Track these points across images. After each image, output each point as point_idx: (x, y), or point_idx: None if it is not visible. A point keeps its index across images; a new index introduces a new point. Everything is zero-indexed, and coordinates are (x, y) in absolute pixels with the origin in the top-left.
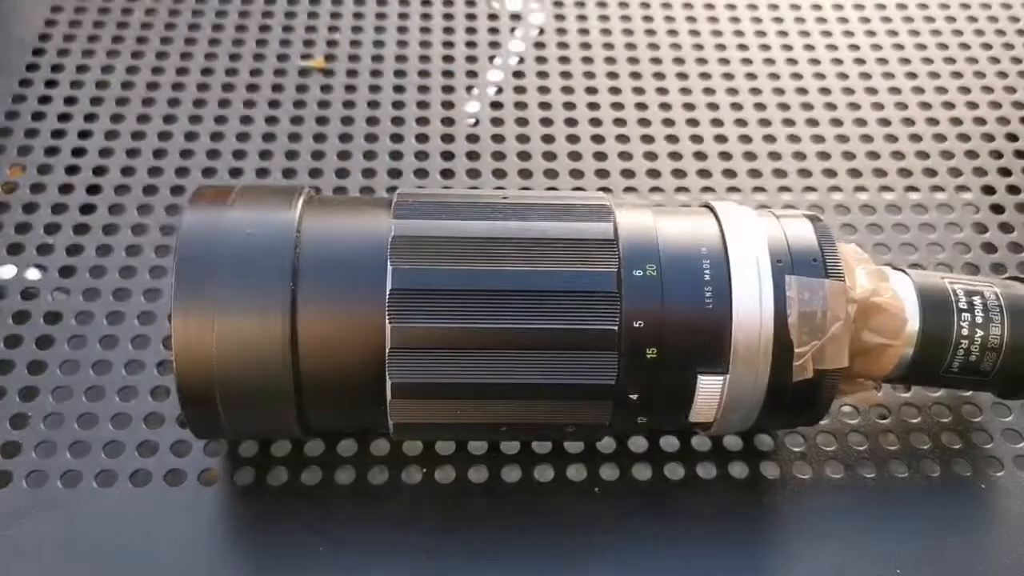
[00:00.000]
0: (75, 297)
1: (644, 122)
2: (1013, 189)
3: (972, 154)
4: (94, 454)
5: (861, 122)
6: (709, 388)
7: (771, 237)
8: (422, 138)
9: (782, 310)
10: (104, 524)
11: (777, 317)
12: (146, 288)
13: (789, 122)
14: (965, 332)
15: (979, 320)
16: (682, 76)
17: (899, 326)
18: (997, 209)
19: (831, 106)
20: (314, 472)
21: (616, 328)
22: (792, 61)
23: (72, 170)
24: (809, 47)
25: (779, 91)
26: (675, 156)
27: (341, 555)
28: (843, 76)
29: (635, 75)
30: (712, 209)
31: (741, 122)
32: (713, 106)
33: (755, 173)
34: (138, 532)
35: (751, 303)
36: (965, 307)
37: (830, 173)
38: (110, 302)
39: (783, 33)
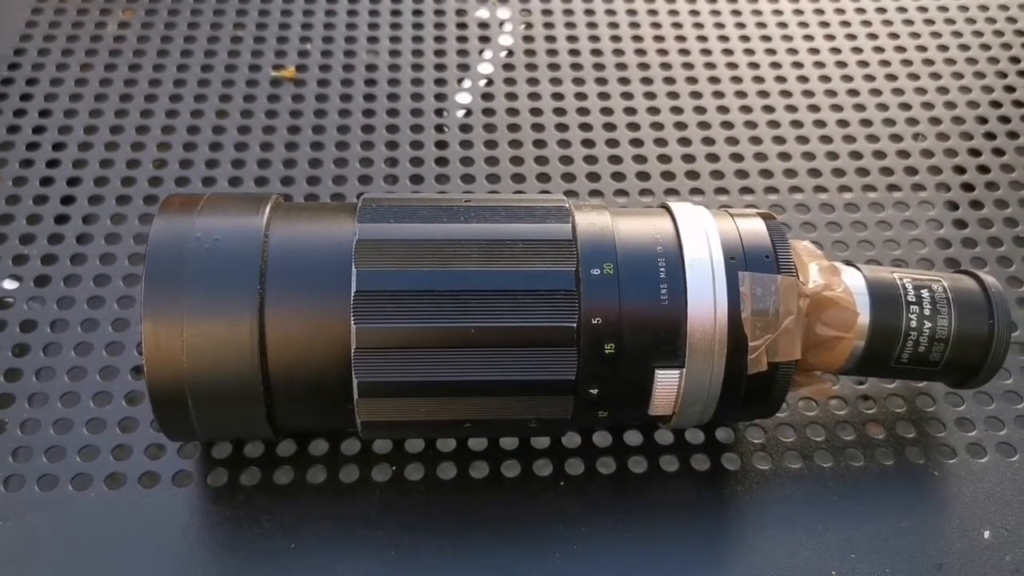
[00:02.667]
0: (50, 306)
1: (609, 126)
2: (967, 187)
3: (928, 153)
4: (69, 458)
5: (820, 123)
6: (666, 382)
7: (725, 235)
8: (392, 145)
9: (736, 305)
10: (80, 526)
11: (731, 312)
12: (120, 296)
13: (751, 124)
14: (914, 324)
15: (927, 312)
16: (646, 81)
17: (850, 319)
18: (952, 206)
19: (792, 108)
20: (286, 472)
21: (575, 325)
22: (754, 65)
23: (46, 181)
24: (771, 51)
25: (741, 94)
26: (639, 159)
27: (313, 552)
28: (803, 79)
29: (600, 80)
30: (668, 209)
31: (704, 124)
32: (677, 110)
33: (718, 174)
34: (113, 534)
35: (705, 299)
36: (914, 300)
37: (791, 173)
38: (84, 310)
39: (745, 38)
